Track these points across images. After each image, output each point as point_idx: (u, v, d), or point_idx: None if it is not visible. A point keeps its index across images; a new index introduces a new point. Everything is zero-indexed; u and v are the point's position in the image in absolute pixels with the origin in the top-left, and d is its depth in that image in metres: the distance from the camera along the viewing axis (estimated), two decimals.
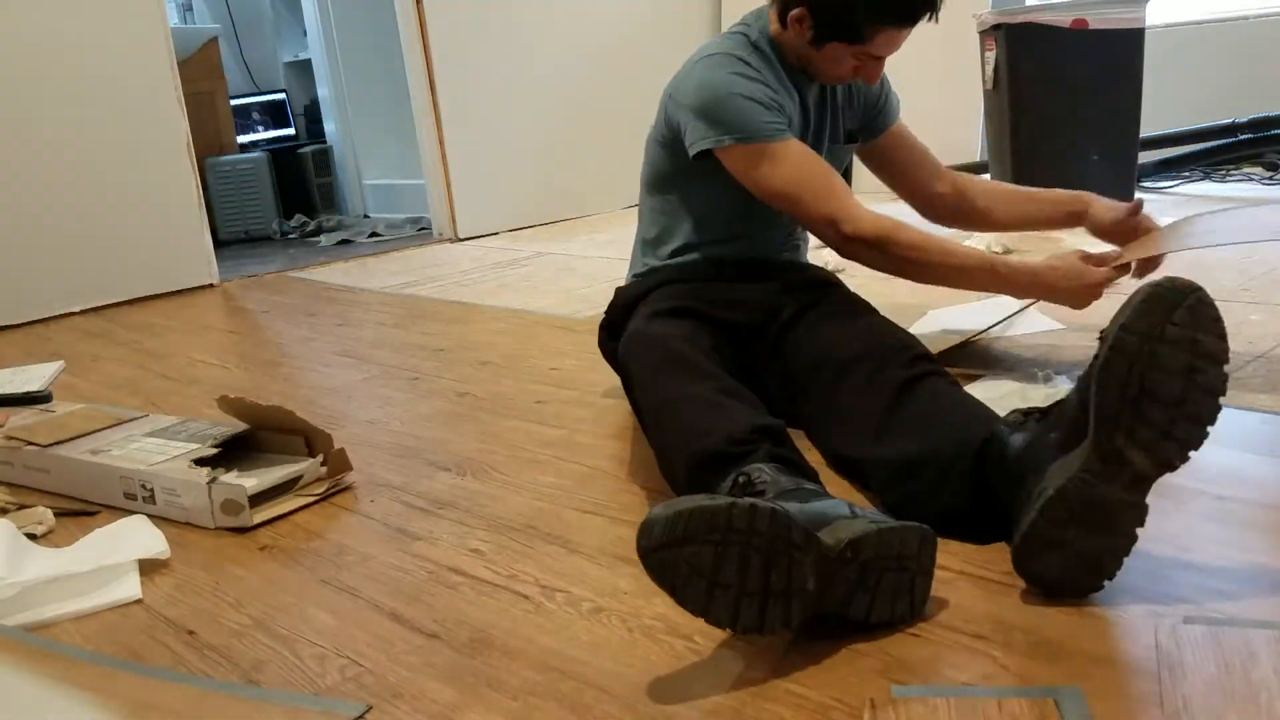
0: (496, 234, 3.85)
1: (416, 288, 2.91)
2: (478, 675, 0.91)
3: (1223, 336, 0.88)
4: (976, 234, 2.30)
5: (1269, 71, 3.40)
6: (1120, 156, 2.93)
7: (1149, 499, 0.91)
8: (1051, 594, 0.94)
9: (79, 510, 1.39)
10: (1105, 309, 1.07)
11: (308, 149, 4.69)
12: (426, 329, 2.37)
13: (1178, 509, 1.11)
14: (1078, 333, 1.77)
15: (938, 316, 1.94)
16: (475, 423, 1.64)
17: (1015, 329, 1.85)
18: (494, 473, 1.42)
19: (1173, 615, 0.89)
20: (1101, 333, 0.91)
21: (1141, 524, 0.92)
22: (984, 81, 3.11)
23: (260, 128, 4.86)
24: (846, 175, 1.66)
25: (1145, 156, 3.18)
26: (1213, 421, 0.88)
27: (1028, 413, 1.06)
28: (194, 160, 3.15)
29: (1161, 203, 3.01)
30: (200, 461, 1.33)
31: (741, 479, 1.03)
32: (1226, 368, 0.88)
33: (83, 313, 2.92)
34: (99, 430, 1.52)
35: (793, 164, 1.45)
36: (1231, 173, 3.34)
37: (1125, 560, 0.92)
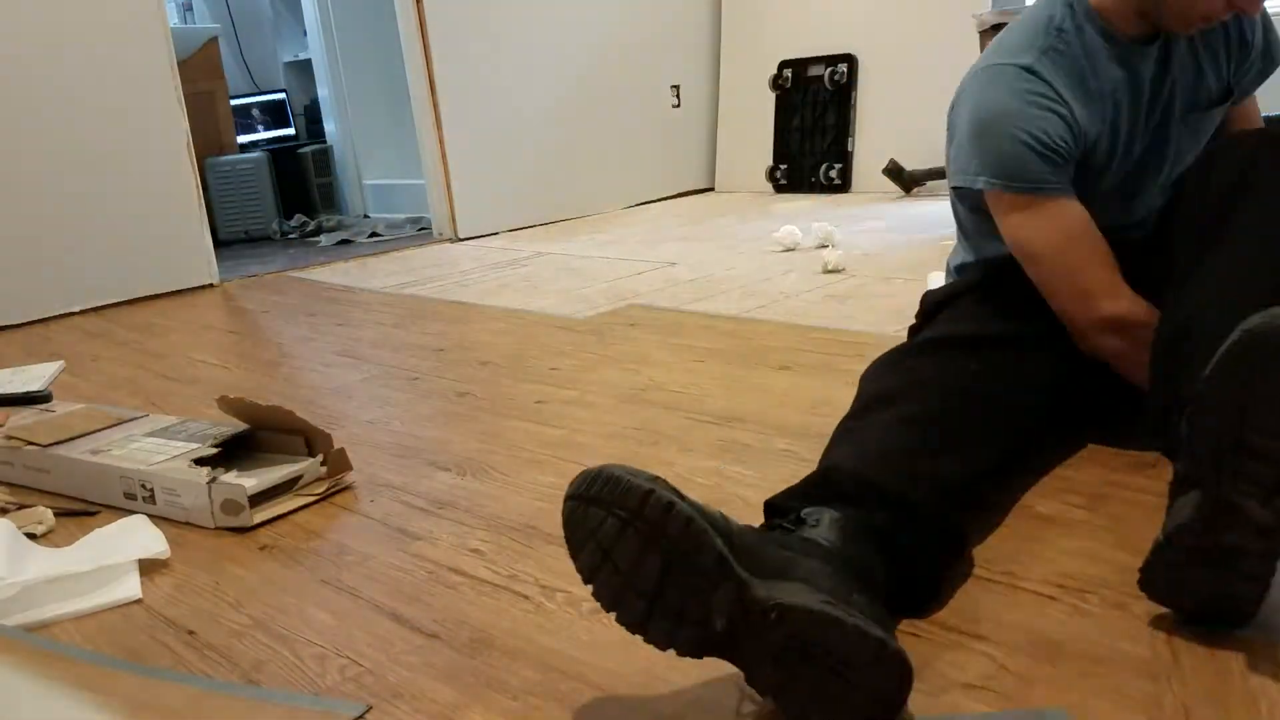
0: (496, 234, 3.85)
1: (416, 288, 2.91)
2: (477, 675, 0.92)
3: None
4: None
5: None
6: None
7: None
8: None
9: (79, 510, 1.39)
10: None
11: (308, 149, 4.69)
12: (426, 329, 2.37)
13: None
14: None
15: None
16: (475, 423, 1.64)
17: None
18: (494, 473, 1.42)
19: (1171, 616, 0.89)
20: None
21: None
22: None
23: (260, 128, 4.86)
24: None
25: None
26: None
27: None
28: (194, 160, 3.15)
29: None
30: (200, 461, 1.33)
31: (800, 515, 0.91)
32: None
33: (83, 313, 2.92)
34: (99, 430, 1.52)
35: (1057, 226, 1.24)
36: None
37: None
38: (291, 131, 4.94)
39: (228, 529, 1.29)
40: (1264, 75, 1.33)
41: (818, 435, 1.23)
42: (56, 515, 1.36)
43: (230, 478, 1.30)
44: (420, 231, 4.02)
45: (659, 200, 4.37)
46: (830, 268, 2.53)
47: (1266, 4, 1.28)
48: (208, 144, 4.15)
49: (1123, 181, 1.31)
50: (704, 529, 0.78)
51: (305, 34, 4.84)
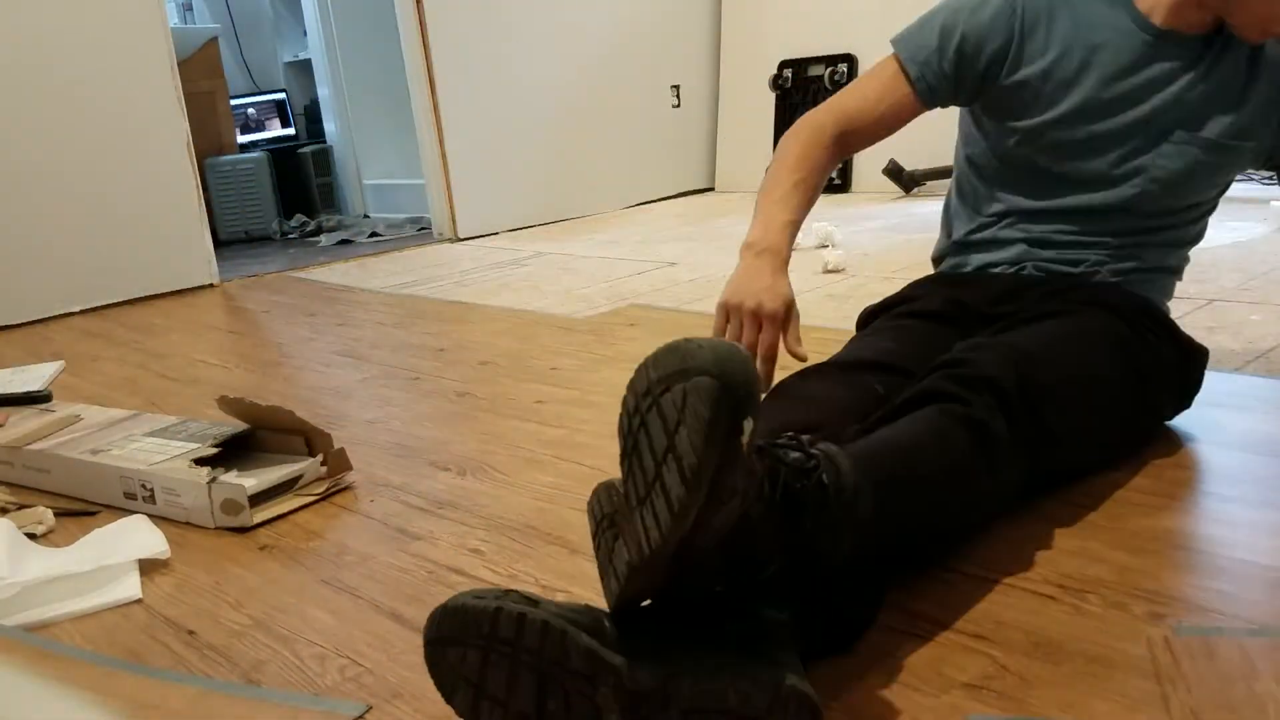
0: (496, 234, 3.85)
1: (416, 288, 2.91)
2: None
3: None
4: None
5: None
6: None
7: None
8: None
9: (79, 510, 1.39)
10: None
11: (308, 149, 4.69)
12: (426, 329, 2.37)
13: (1178, 508, 1.11)
14: None
15: None
16: (475, 423, 1.64)
17: None
18: (494, 473, 1.42)
19: (1171, 616, 0.89)
20: None
21: None
22: None
23: (260, 128, 4.86)
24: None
25: None
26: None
27: None
28: (194, 160, 3.15)
29: None
30: (200, 461, 1.33)
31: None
32: None
33: (83, 313, 2.92)
34: (99, 430, 1.52)
35: (875, 75, 1.33)
36: None
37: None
38: (291, 131, 4.94)
39: (228, 529, 1.29)
40: None
41: None
42: (56, 515, 1.36)
43: (230, 478, 1.30)
44: (420, 231, 4.02)
45: (659, 200, 4.37)
46: (830, 267, 2.53)
47: None
48: (208, 144, 4.15)
49: (1084, 140, 1.25)
50: (563, 629, 0.72)
51: (305, 34, 4.84)
